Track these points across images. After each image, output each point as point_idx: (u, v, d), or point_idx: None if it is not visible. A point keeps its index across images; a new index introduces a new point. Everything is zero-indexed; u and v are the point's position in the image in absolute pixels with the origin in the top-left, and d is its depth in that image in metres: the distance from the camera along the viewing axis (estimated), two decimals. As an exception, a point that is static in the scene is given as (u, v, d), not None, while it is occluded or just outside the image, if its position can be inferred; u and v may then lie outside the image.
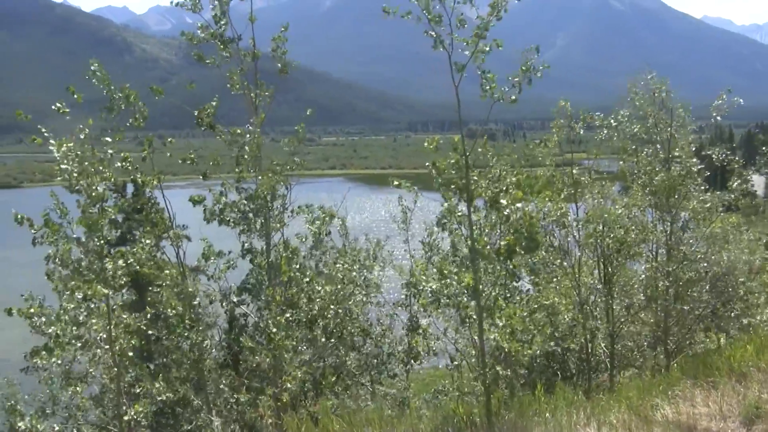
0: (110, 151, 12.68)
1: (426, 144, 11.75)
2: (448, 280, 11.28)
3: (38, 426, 12.79)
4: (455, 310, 12.03)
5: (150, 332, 13.43)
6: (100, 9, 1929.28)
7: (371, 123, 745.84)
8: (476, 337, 12.00)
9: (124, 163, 13.50)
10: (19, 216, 11.94)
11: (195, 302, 14.31)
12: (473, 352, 15.33)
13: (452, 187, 11.56)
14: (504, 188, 12.57)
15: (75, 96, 12.90)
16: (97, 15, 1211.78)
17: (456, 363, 16.38)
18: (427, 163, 11.78)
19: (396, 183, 11.93)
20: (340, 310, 15.58)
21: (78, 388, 13.46)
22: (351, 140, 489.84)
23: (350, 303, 16.54)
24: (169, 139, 15.75)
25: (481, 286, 11.35)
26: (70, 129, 12.59)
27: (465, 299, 11.41)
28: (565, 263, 19.72)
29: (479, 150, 11.84)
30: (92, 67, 13.49)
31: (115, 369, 12.31)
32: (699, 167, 19.15)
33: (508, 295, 14.64)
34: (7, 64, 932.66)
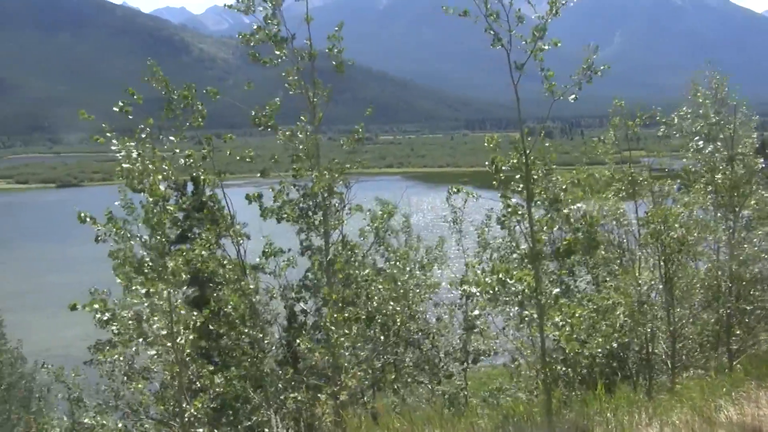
0: (176, 150, 12.84)
1: (485, 142, 11.74)
2: (507, 280, 11.22)
3: (102, 421, 13.01)
4: (515, 309, 12.00)
5: (211, 328, 13.57)
6: (159, 10, 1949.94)
7: (428, 121, 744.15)
8: (536, 336, 11.95)
9: (187, 160, 13.67)
10: (82, 214, 12.14)
11: (255, 299, 14.44)
12: (531, 351, 15.30)
13: (512, 185, 11.53)
14: (564, 187, 12.49)
15: (135, 97, 13.07)
16: (155, 16, 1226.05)
17: (515, 362, 16.34)
18: (486, 162, 11.76)
19: (455, 190, 11.93)
20: (398, 308, 15.60)
21: (140, 385, 13.65)
22: (408, 138, 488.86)
23: (409, 301, 16.56)
24: (229, 135, 15.82)
25: (541, 285, 11.31)
26: (131, 129, 12.77)
27: (525, 298, 11.37)
28: (624, 262, 19.54)
29: (539, 148, 11.80)
30: (152, 68, 13.65)
31: (177, 365, 12.46)
32: (762, 165, 18.90)
33: (567, 293, 14.56)
34: (69, 65, 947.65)
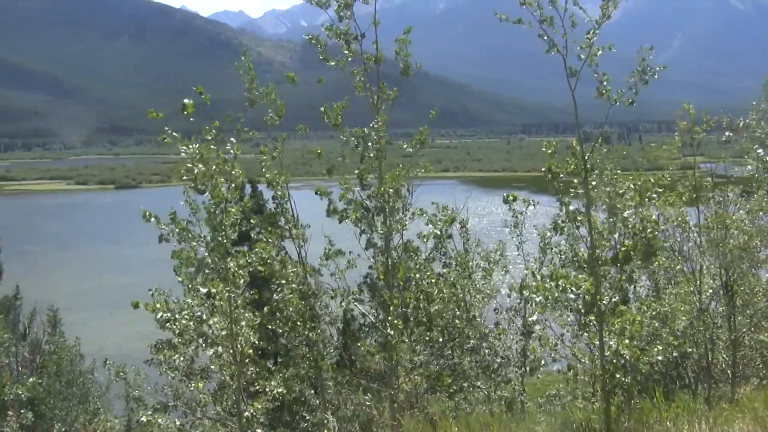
0: (238, 152, 12.96)
1: (543, 148, 11.70)
2: (566, 286, 11.15)
3: (159, 420, 13.14)
4: (574, 315, 11.95)
5: (270, 329, 13.66)
6: (217, 13, 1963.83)
7: (485, 125, 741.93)
8: (595, 343, 11.87)
9: (258, 159, 13.82)
10: (147, 213, 12.30)
11: (315, 301, 14.52)
12: (589, 358, 15.20)
13: (570, 191, 11.47)
14: (622, 192, 12.39)
15: (203, 96, 13.20)
16: (213, 19, 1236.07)
17: (573, 369, 16.26)
18: (543, 169, 11.73)
19: (511, 197, 11.90)
20: (458, 312, 15.58)
21: (200, 384, 13.78)
22: (464, 142, 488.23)
23: (468, 306, 16.54)
24: (303, 126, 15.91)
25: (601, 292, 11.23)
26: (192, 131, 12.91)
27: (585, 305, 11.29)
28: (685, 269, 19.32)
29: (598, 153, 11.73)
30: (242, 60, 13.82)
31: (236, 366, 12.57)
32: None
33: (627, 300, 14.45)
34: (129, 69, 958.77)
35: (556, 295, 11.16)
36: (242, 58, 14.01)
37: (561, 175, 11.32)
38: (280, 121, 14.37)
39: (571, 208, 11.55)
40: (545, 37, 10.85)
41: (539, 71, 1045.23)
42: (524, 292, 12.63)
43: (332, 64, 14.47)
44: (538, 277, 11.99)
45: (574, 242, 13.84)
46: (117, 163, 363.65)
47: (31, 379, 20.41)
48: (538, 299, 11.34)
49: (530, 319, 17.50)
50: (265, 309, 13.84)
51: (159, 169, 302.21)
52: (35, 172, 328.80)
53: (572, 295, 11.10)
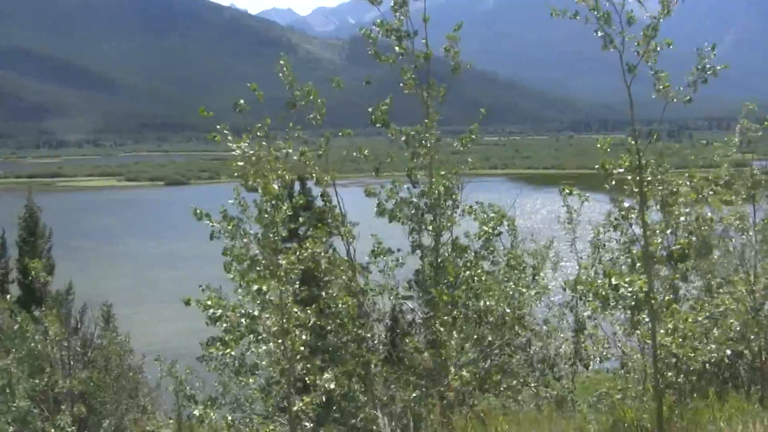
0: (289, 149, 13.03)
1: (598, 145, 11.62)
2: (620, 283, 11.07)
3: (211, 414, 13.24)
4: (625, 313, 11.86)
5: (320, 326, 13.69)
6: (266, 11, 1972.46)
7: (533, 122, 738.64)
8: (647, 342, 11.77)
9: (302, 158, 13.87)
10: (197, 211, 12.40)
11: (364, 299, 14.54)
12: (641, 356, 15.05)
13: (624, 188, 11.37)
14: (677, 190, 12.27)
15: (256, 93, 13.27)
16: (262, 17, 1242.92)
17: (625, 367, 16.12)
18: (596, 166, 11.64)
19: (567, 191, 11.81)
20: (508, 310, 15.50)
21: (251, 380, 13.85)
22: (512, 140, 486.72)
23: (518, 303, 16.46)
24: (348, 131, 15.95)
25: (654, 290, 11.13)
26: (244, 128, 12.99)
27: (638, 303, 11.19)
28: (740, 267, 19.05)
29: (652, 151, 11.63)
30: (281, 63, 13.89)
31: (287, 362, 12.62)
32: None
33: (679, 299, 14.31)
34: (179, 66, 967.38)
35: (609, 292, 11.09)
36: (280, 61, 14.08)
37: (615, 172, 11.22)
38: (328, 117, 14.41)
39: (625, 205, 11.46)
40: (602, 33, 10.73)
41: (588, 68, 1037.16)
42: (577, 289, 12.53)
43: (383, 60, 14.46)
44: (591, 274, 11.93)
45: (627, 240, 13.72)
46: (167, 160, 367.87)
47: (84, 374, 20.66)
48: (590, 296, 11.27)
49: (584, 314, 17.38)
50: (314, 306, 13.87)
51: (208, 165, 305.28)
52: (86, 168, 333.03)
53: (626, 293, 11.02)
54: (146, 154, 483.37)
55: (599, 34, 10.79)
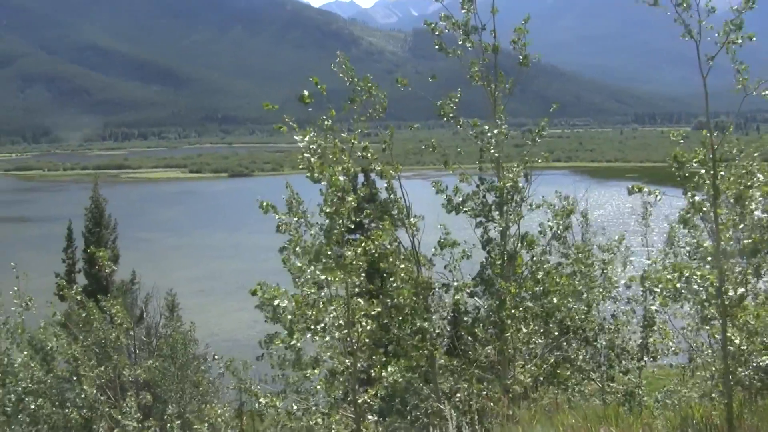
0: (356, 142, 13.02)
1: (671, 136, 11.43)
2: (691, 278, 10.87)
3: (277, 403, 13.29)
4: (696, 308, 11.66)
5: (384, 319, 13.66)
6: (329, 4, 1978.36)
7: (597, 115, 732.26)
8: (717, 337, 11.57)
9: (363, 153, 13.84)
10: (264, 204, 12.44)
11: (428, 292, 14.48)
12: (710, 351, 14.81)
13: (696, 181, 11.16)
14: (750, 183, 12.03)
15: (318, 87, 13.26)
16: (325, 10, 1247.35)
17: (694, 363, 15.88)
18: (667, 158, 11.45)
19: (636, 189, 11.62)
20: (576, 304, 15.37)
21: (316, 371, 13.85)
22: (576, 132, 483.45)
23: (587, 297, 16.30)
24: (415, 125, 15.96)
25: (725, 285, 10.92)
26: (307, 120, 13.01)
27: (708, 298, 10.99)
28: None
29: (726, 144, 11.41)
30: (338, 59, 13.88)
31: (352, 355, 12.61)
32: None
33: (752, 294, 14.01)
34: (241, 59, 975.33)
35: (679, 285, 10.90)
36: (339, 59, 14.07)
37: (688, 165, 11.01)
38: (391, 109, 14.37)
39: (697, 198, 11.25)
40: (681, 22, 10.53)
41: (653, 60, 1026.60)
42: (646, 283, 12.32)
43: (449, 54, 14.39)
44: (661, 268, 11.74)
45: (698, 234, 13.46)
46: (230, 152, 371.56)
47: (150, 362, 20.89)
48: (660, 290, 11.10)
49: (652, 307, 17.11)
50: (379, 298, 13.84)
51: (271, 157, 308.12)
52: (151, 160, 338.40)
53: (698, 287, 10.82)
54: (210, 146, 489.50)
55: (678, 22, 10.59)
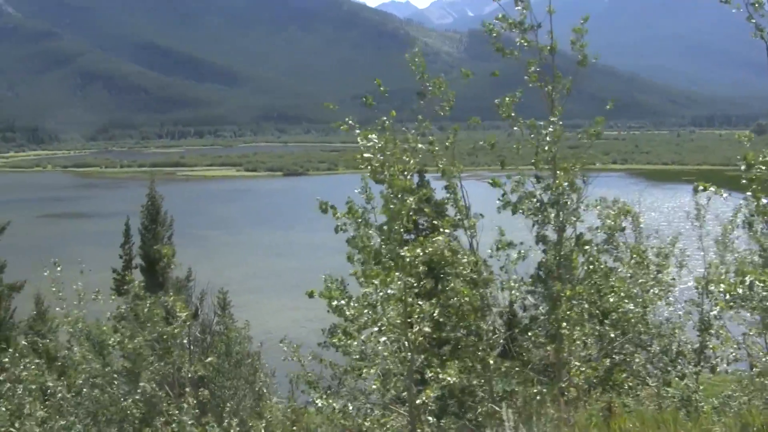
0: (416, 143, 13.03)
1: (738, 138, 11.31)
2: (757, 282, 10.70)
3: (334, 404, 13.32)
4: (756, 313, 11.49)
5: (441, 320, 13.64)
6: (385, 4, 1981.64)
7: (653, 117, 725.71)
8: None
9: (430, 150, 13.85)
10: (323, 205, 12.48)
11: (485, 292, 14.44)
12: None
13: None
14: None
15: (381, 89, 13.31)
16: (381, 10, 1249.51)
17: (754, 369, 15.66)
18: (738, 157, 11.30)
19: (702, 187, 11.49)
20: (631, 306, 15.22)
21: (372, 370, 13.86)
22: (632, 134, 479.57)
23: (642, 300, 16.15)
24: (476, 119, 15.90)
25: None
26: (365, 119, 13.04)
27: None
28: None
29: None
30: (411, 55, 13.92)
31: (409, 354, 12.62)
32: None
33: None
34: (297, 59, 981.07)
35: (741, 291, 10.74)
36: (413, 51, 14.07)
37: (757, 168, 10.85)
38: (455, 112, 14.36)
39: (764, 201, 11.10)
40: (752, 21, 10.39)
41: (711, 62, 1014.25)
42: (708, 287, 12.18)
43: (506, 54, 14.32)
44: (722, 272, 11.61)
45: (763, 237, 13.26)
46: (285, 151, 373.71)
47: (209, 359, 21.06)
48: (719, 294, 10.95)
49: (711, 313, 16.90)
50: (435, 299, 13.82)
51: (326, 156, 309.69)
52: (207, 158, 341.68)
53: (764, 292, 10.65)
54: (265, 145, 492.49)
55: (747, 20, 10.46)
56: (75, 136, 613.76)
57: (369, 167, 12.19)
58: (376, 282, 12.28)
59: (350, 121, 12.74)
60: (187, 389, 17.55)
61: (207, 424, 16.18)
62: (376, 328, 12.60)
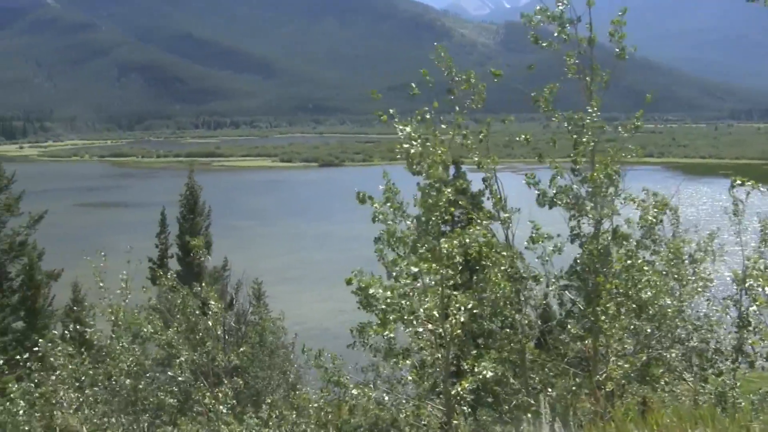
0: (456, 134, 13.01)
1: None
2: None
3: (370, 393, 13.37)
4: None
5: (476, 311, 13.62)
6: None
7: (691, 110, 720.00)
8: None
9: (464, 141, 13.81)
10: (361, 195, 12.49)
11: (521, 285, 14.41)
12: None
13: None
14: None
15: (427, 78, 13.31)
16: (418, 1, 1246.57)
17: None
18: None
19: (738, 182, 11.39)
20: (668, 301, 15.11)
21: (408, 361, 13.87)
22: (669, 128, 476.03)
23: (679, 295, 16.03)
24: (510, 117, 15.86)
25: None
26: (405, 112, 13.04)
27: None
28: None
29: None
30: (436, 50, 13.89)
31: (444, 346, 12.62)
32: None
33: None
34: (334, 50, 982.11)
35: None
36: (439, 50, 14.04)
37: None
38: (490, 104, 14.29)
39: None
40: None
41: (750, 54, 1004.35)
42: (746, 282, 12.08)
43: (545, 46, 14.24)
44: (761, 268, 11.50)
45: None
46: (320, 142, 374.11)
47: (242, 348, 21.16)
48: (760, 290, 10.87)
49: (750, 309, 16.73)
50: (471, 291, 13.82)
51: (361, 148, 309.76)
52: (242, 149, 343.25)
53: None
54: (300, 136, 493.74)
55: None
56: (112, 126, 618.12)
57: (406, 159, 12.19)
58: (415, 270, 12.28)
59: (391, 112, 12.76)
60: (224, 380, 17.66)
61: (243, 413, 16.26)
62: (412, 319, 12.60)
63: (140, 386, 17.47)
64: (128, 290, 18.61)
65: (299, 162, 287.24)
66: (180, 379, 17.54)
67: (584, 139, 13.95)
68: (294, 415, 17.56)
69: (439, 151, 12.59)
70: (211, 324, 18.44)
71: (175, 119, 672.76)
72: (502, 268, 14.10)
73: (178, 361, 17.65)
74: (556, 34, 14.20)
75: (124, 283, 18.53)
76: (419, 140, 12.35)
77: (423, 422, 13.65)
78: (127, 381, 17.47)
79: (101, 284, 18.64)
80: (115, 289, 18.57)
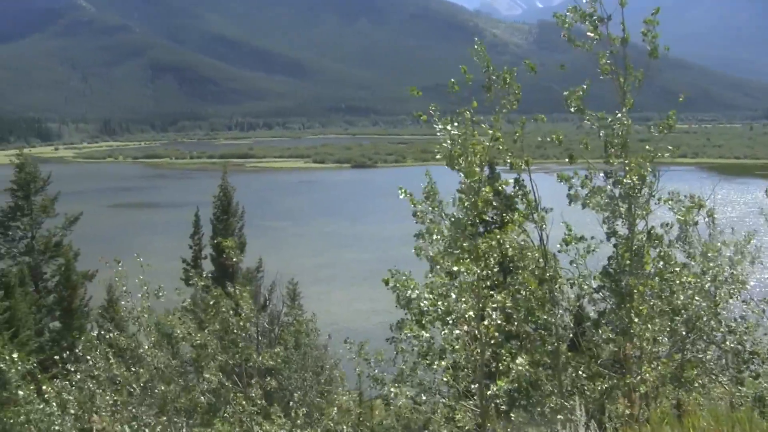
0: (497, 133, 12.99)
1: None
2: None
3: (406, 391, 13.38)
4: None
5: (510, 312, 13.59)
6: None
7: (726, 110, 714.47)
8: None
9: (497, 143, 13.78)
10: (404, 191, 12.50)
11: (554, 286, 14.35)
12: None
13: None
14: None
15: (470, 83, 13.32)
16: (450, 2, 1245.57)
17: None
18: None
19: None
20: (704, 303, 14.99)
21: (443, 362, 13.86)
22: (704, 128, 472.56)
23: (715, 297, 15.89)
24: (542, 116, 15.81)
25: None
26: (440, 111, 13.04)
27: None
28: None
29: None
30: (476, 47, 13.89)
31: (480, 346, 12.60)
32: None
33: None
34: (366, 50, 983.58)
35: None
36: (476, 46, 14.01)
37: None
38: (522, 104, 14.26)
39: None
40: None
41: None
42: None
43: (577, 45, 14.18)
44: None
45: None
46: (353, 143, 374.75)
47: (276, 349, 21.21)
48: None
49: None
50: (506, 291, 13.78)
51: (394, 149, 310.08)
52: (275, 150, 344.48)
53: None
54: (333, 137, 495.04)
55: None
56: (145, 127, 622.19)
57: (445, 155, 12.20)
58: (455, 269, 12.28)
59: (431, 110, 12.79)
60: (255, 380, 17.71)
61: (274, 415, 16.32)
62: (449, 320, 12.60)
63: (172, 388, 17.56)
64: (159, 293, 18.70)
65: (332, 163, 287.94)
66: (213, 380, 17.60)
67: (617, 140, 13.88)
68: (333, 415, 17.60)
69: (478, 152, 12.60)
70: (242, 325, 18.49)
71: (208, 120, 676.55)
72: (536, 269, 14.07)
73: (211, 363, 17.73)
74: (588, 33, 14.13)
75: (145, 286, 18.62)
76: (460, 139, 12.37)
77: (458, 424, 13.64)
78: (161, 385, 17.57)
79: (124, 288, 18.78)
80: (149, 290, 18.67)
